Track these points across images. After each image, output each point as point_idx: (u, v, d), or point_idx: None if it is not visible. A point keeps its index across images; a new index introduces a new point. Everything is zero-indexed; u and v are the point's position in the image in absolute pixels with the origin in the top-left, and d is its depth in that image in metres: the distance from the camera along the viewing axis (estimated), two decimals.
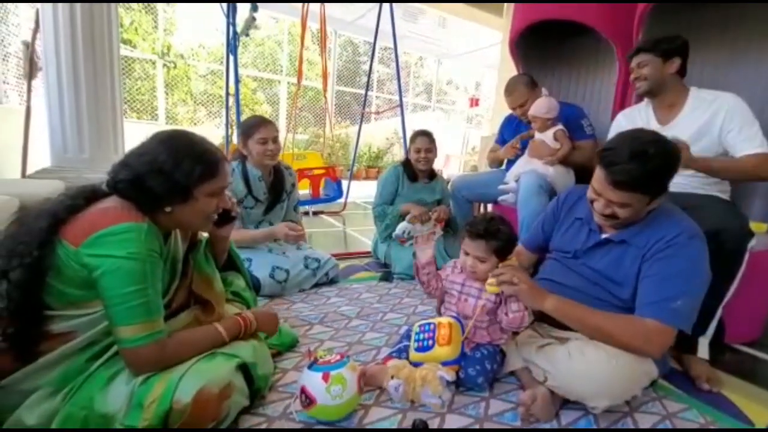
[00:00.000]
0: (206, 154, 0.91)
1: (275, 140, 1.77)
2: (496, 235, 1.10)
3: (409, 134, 2.44)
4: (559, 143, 1.87)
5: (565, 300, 1.05)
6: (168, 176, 0.85)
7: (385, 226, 2.24)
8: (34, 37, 2.68)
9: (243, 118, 2.51)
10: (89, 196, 0.85)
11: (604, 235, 1.14)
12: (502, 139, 2.28)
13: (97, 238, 0.77)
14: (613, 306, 1.09)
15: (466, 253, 1.15)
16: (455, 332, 1.08)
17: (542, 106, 1.86)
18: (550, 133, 1.88)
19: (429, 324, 1.12)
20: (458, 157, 7.78)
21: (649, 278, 1.02)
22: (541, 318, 1.24)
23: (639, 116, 1.61)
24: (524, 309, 1.07)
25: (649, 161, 0.95)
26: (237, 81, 2.75)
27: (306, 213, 3.82)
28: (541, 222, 1.37)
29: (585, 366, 0.95)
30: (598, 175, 1.04)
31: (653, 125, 1.55)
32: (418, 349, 1.08)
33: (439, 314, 1.29)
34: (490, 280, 1.06)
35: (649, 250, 1.04)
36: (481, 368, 1.08)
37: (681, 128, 1.48)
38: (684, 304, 0.96)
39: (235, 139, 2.92)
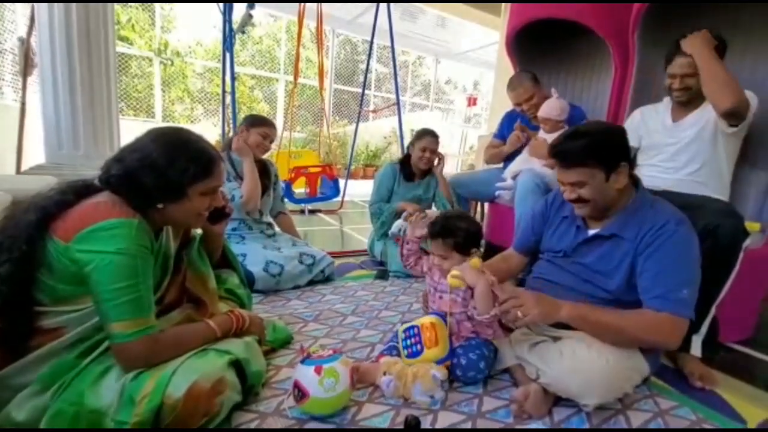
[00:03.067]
0: (201, 153, 0.90)
1: (271, 141, 1.95)
2: (453, 232, 1.12)
3: (407, 133, 2.44)
4: None
5: (578, 306, 1.01)
6: (161, 173, 0.85)
7: (380, 223, 2.24)
8: (29, 34, 2.67)
9: (240, 116, 2.52)
10: (80, 191, 0.85)
11: (591, 231, 1.15)
12: (501, 135, 2.28)
13: (87, 234, 0.77)
14: (603, 300, 1.10)
15: (433, 252, 1.17)
16: (440, 330, 1.08)
17: (555, 107, 1.85)
18: (556, 134, 1.88)
19: (413, 327, 1.11)
20: (456, 156, 7.79)
21: (648, 271, 1.02)
22: None
23: (656, 114, 1.63)
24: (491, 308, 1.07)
25: (584, 136, 1.04)
26: (233, 78, 2.74)
27: (302, 211, 3.82)
28: (531, 224, 1.37)
29: (576, 364, 0.95)
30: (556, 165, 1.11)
31: (667, 123, 1.58)
32: (409, 356, 1.08)
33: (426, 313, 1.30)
34: (453, 272, 1.07)
35: (640, 242, 1.04)
36: (480, 352, 1.09)
37: (688, 125, 1.51)
38: (688, 293, 0.98)
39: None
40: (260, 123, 1.89)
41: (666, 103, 1.62)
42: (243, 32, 2.93)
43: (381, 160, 7.89)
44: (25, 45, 2.72)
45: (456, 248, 1.13)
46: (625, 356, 0.98)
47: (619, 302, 1.07)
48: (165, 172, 0.85)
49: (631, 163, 1.09)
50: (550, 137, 1.90)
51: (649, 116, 1.66)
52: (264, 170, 1.97)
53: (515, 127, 2.08)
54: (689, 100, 1.50)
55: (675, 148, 1.54)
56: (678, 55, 1.45)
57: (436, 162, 2.25)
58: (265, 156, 1.99)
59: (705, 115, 1.48)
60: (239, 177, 1.88)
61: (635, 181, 1.14)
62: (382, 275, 2.07)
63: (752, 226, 1.46)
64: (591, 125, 1.09)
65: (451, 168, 7.37)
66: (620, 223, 1.09)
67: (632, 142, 1.67)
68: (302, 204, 3.75)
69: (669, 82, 1.51)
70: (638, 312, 1.01)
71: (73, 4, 2.42)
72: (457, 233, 1.13)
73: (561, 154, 1.07)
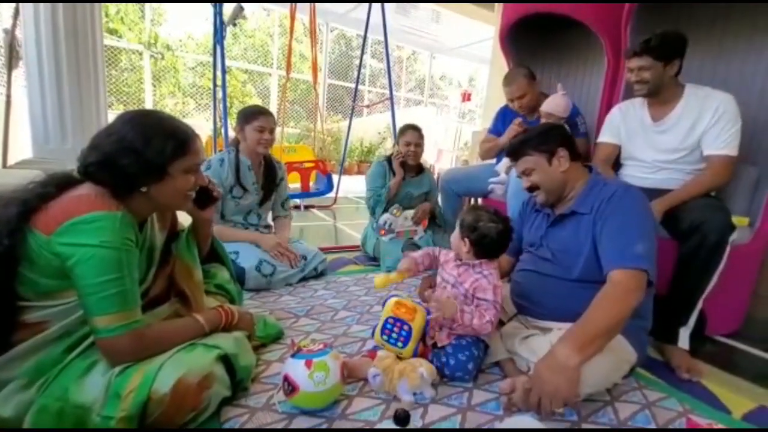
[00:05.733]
0: (177, 131, 0.89)
1: (271, 131, 1.80)
2: (473, 230, 1.14)
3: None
4: None
5: (572, 340, 0.93)
6: (139, 154, 0.83)
7: (382, 211, 2.23)
8: (14, 25, 2.60)
9: (232, 110, 2.48)
10: (61, 183, 0.83)
11: (557, 212, 1.22)
12: (496, 131, 2.28)
13: (69, 227, 0.75)
14: (575, 281, 1.12)
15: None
16: (406, 302, 1.13)
17: (561, 104, 1.86)
18: None
19: (406, 325, 1.09)
20: (450, 151, 7.78)
21: (604, 237, 1.06)
22: (522, 310, 1.25)
23: (634, 111, 1.62)
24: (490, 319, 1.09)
25: (525, 133, 1.24)
26: (224, 71, 2.70)
27: (297, 207, 3.80)
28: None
29: None
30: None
31: (646, 122, 1.56)
32: (403, 346, 1.08)
33: (422, 300, 1.31)
34: (378, 279, 1.17)
35: (596, 214, 1.10)
36: (470, 353, 1.09)
37: (671, 125, 1.50)
38: (643, 248, 1.00)
39: (224, 131, 2.89)
40: (252, 116, 1.74)
41: (641, 100, 1.60)
42: (234, 24, 2.90)
43: (375, 156, 7.87)
44: (9, 37, 2.66)
45: (472, 244, 1.15)
46: (613, 346, 0.98)
47: (590, 282, 1.07)
48: (143, 152, 0.83)
49: (573, 151, 1.18)
50: None
51: (627, 112, 1.64)
52: (270, 170, 1.89)
53: (514, 122, 2.08)
54: (651, 93, 1.50)
55: (657, 156, 1.54)
56: (635, 55, 1.46)
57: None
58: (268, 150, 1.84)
59: (687, 117, 1.45)
60: (240, 185, 1.79)
61: (590, 169, 1.23)
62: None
63: (740, 220, 1.48)
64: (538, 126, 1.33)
65: (445, 164, 7.37)
66: (578, 202, 1.16)
67: (612, 138, 1.68)
68: (295, 199, 3.73)
69: (628, 75, 1.53)
70: (602, 291, 0.99)
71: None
72: (472, 235, 1.14)
73: (509, 150, 1.29)
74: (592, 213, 1.11)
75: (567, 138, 1.20)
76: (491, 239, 1.13)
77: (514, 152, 1.24)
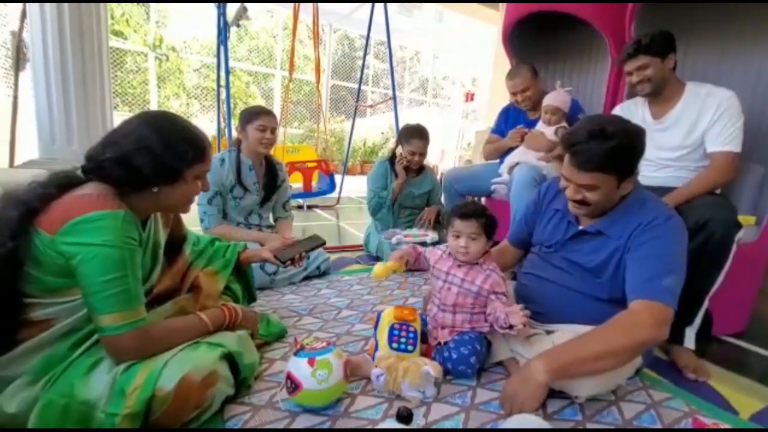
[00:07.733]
0: (197, 138, 0.91)
1: (273, 131, 1.82)
2: (485, 213, 1.14)
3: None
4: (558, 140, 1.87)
5: (550, 356, 0.93)
6: (157, 156, 0.84)
7: (387, 209, 2.23)
8: (21, 28, 2.64)
9: (236, 110, 2.49)
10: (62, 183, 0.83)
11: (580, 227, 1.15)
12: (499, 130, 2.27)
13: (72, 226, 0.76)
14: (590, 297, 1.10)
15: (458, 236, 1.13)
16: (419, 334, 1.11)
17: (566, 100, 1.87)
18: (553, 127, 1.88)
19: (411, 326, 1.09)
20: (453, 152, 7.78)
21: (635, 262, 1.02)
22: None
23: (635, 110, 1.61)
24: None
25: (607, 139, 0.96)
26: (227, 72, 2.72)
27: (300, 207, 3.81)
28: (524, 216, 1.37)
29: None
30: (565, 160, 1.05)
31: (647, 120, 1.55)
32: (399, 349, 1.06)
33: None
34: (377, 268, 1.17)
35: (629, 238, 1.03)
36: (472, 347, 1.08)
37: (671, 123, 1.49)
38: (671, 282, 0.96)
39: (227, 132, 2.90)
40: (254, 116, 1.77)
41: (642, 99, 1.58)
42: (238, 26, 2.91)
43: (378, 156, 7.89)
44: (16, 39, 2.69)
45: (485, 230, 1.13)
46: None
47: (612, 302, 1.07)
48: (162, 154, 0.85)
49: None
50: (548, 130, 1.89)
51: (628, 111, 1.62)
52: (271, 170, 1.90)
53: (518, 130, 2.07)
54: (655, 90, 1.48)
55: (660, 154, 1.52)
56: (630, 57, 1.46)
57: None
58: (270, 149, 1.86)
59: (687, 114, 1.44)
60: (241, 185, 1.81)
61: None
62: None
63: (747, 219, 1.46)
64: (612, 124, 0.99)
65: (448, 164, 7.36)
66: (608, 222, 1.09)
67: None
68: (298, 199, 3.75)
69: (629, 79, 1.52)
70: (614, 320, 0.95)
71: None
72: (487, 215, 1.14)
73: (582, 154, 0.99)
74: (622, 239, 1.04)
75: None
76: (492, 215, 1.15)
77: (586, 160, 0.99)
